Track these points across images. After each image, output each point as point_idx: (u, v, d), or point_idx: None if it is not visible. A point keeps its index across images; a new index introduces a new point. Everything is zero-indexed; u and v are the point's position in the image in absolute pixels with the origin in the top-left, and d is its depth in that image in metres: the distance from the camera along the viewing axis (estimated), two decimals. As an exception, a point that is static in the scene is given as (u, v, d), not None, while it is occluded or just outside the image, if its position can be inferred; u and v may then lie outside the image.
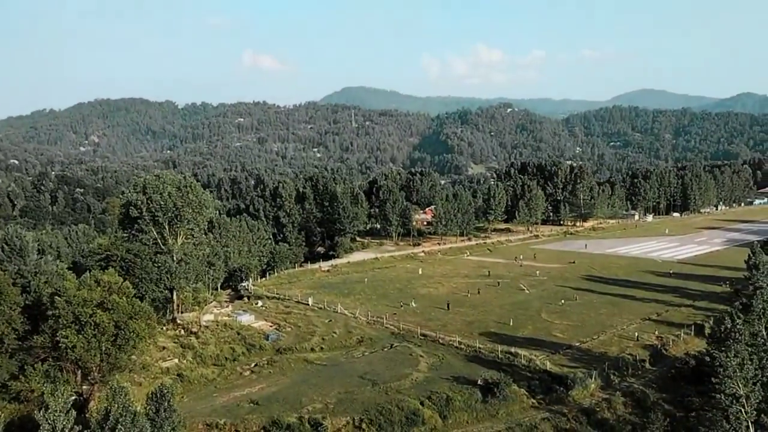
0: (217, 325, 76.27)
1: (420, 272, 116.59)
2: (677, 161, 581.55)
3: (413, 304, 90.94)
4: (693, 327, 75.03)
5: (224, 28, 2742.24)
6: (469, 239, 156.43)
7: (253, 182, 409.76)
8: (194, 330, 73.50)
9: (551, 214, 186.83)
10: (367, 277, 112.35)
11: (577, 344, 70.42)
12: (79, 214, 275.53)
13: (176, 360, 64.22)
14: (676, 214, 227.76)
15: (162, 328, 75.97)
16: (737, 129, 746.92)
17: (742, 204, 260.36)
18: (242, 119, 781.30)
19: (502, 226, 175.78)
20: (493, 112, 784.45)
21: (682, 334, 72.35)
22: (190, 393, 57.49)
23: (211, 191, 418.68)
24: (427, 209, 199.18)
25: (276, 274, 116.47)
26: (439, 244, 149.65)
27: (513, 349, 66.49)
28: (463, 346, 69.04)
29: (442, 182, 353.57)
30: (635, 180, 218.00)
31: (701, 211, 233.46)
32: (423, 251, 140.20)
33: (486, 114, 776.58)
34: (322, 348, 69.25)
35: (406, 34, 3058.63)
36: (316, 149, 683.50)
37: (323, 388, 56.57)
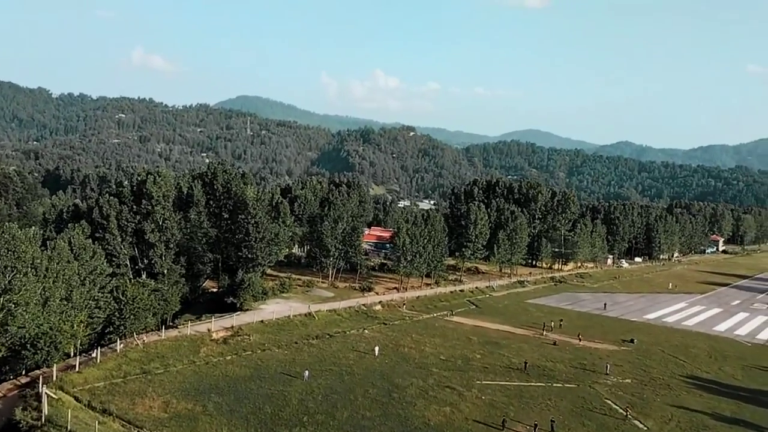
0: None
1: (406, 350, 64.41)
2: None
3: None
4: None
5: (113, 21, 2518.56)
6: (437, 283, 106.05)
7: (127, 182, 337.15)
8: None
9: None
10: (306, 364, 57.91)
11: None
12: None
13: None
14: (638, 259, 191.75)
15: None
16: (626, 173, 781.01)
17: (692, 252, 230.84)
18: (124, 115, 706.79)
19: (470, 264, 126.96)
20: (395, 134, 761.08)
21: None
22: None
23: (74, 189, 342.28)
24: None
25: (121, 345, 58.80)
26: (397, 288, 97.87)
27: None
28: None
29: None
30: (610, 216, 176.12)
31: (660, 258, 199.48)
32: (380, 301, 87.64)
33: (389, 135, 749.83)
34: None
35: (306, 52, 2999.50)
36: (204, 154, 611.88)
37: None
